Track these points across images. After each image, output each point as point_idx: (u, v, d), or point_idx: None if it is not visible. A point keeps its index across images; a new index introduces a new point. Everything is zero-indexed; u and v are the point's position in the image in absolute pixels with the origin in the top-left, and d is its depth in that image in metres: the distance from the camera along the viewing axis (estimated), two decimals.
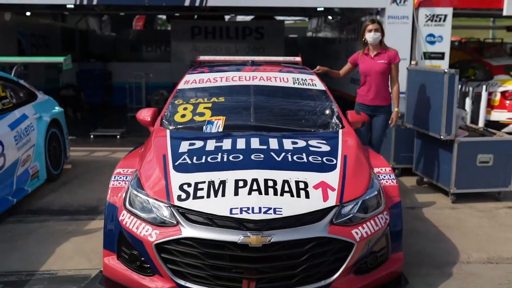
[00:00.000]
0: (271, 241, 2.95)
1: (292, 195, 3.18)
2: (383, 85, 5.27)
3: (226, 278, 3.03)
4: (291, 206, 3.10)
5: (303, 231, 3.04)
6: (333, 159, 3.61)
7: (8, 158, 4.91)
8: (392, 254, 3.48)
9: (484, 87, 7.70)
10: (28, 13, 11.44)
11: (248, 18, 15.96)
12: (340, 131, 4.25)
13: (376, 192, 3.45)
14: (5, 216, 4.81)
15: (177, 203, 3.16)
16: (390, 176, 3.81)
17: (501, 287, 3.61)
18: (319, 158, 3.60)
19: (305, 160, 3.55)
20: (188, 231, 3.04)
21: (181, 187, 3.25)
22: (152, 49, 15.61)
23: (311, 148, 3.75)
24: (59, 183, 6.05)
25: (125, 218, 3.30)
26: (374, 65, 5.23)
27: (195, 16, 14.00)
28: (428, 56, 8.03)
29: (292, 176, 3.33)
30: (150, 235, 3.11)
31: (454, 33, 20.62)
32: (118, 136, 9.06)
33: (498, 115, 8.57)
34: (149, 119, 4.52)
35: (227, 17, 16.11)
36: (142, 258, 3.20)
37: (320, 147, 3.79)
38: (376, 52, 5.26)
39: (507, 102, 8.52)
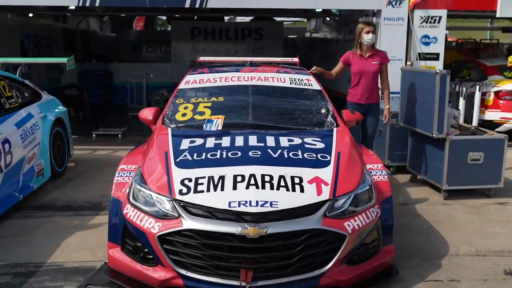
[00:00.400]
0: (268, 232, 3.13)
1: (287, 190, 3.35)
2: (375, 84, 5.51)
3: (225, 268, 3.20)
4: (286, 200, 3.27)
5: (298, 223, 3.21)
6: (327, 155, 3.79)
7: (14, 155, 5.08)
8: (383, 246, 3.66)
9: (477, 87, 7.87)
10: (30, 15, 11.61)
11: (248, 19, 16.12)
12: (335, 129, 4.42)
13: (368, 187, 3.62)
14: (12, 212, 4.98)
15: (178, 197, 3.33)
16: (382, 172, 3.99)
17: (487, 277, 3.78)
18: (314, 155, 3.77)
19: (300, 156, 3.72)
20: (189, 223, 3.21)
21: (182, 182, 3.43)
22: (153, 49, 15.77)
23: (307, 146, 3.92)
24: (63, 180, 6.23)
25: (129, 212, 3.47)
26: (369, 66, 5.43)
27: (195, 17, 14.16)
28: (423, 57, 8.21)
29: (288, 171, 3.50)
30: (153, 227, 3.28)
31: (452, 33, 20.88)
32: (119, 135, 9.22)
33: (492, 115, 8.76)
34: (151, 117, 4.69)
35: (226, 18, 16.27)
36: (146, 250, 3.37)
37: (315, 145, 3.96)
38: (369, 53, 5.46)
39: (501, 102, 8.71)
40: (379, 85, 5.64)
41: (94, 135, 9.19)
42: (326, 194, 3.38)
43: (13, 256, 4.04)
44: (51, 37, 13.02)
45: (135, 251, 3.44)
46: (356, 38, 5.52)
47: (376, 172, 3.97)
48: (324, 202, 3.34)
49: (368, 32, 5.36)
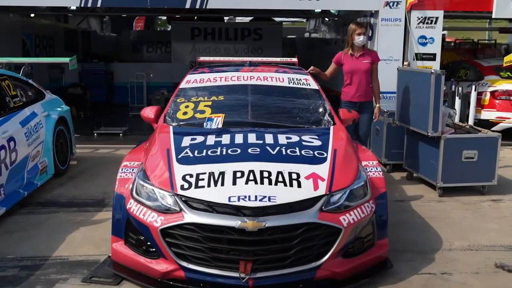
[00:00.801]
0: (266, 226, 3.25)
1: (285, 185, 3.47)
2: (367, 82, 5.66)
3: (225, 260, 3.32)
4: (284, 195, 3.40)
5: (295, 217, 3.34)
6: (324, 152, 3.91)
7: (19, 153, 5.20)
8: (378, 241, 3.78)
9: (473, 87, 8.00)
10: (32, 15, 11.73)
11: (247, 19, 16.24)
12: (332, 127, 4.55)
13: (363, 183, 3.75)
14: (17, 208, 5.10)
15: (180, 192, 3.45)
16: (377, 169, 4.11)
17: (479, 270, 3.91)
18: (311, 152, 3.90)
19: (298, 153, 3.85)
20: (190, 217, 3.34)
21: (183, 178, 3.55)
22: (153, 49, 15.91)
23: (304, 143, 4.04)
24: (66, 177, 6.35)
25: (132, 206, 3.59)
26: (360, 65, 5.58)
27: (195, 18, 14.28)
28: (420, 57, 8.31)
29: (286, 167, 3.62)
30: (156, 221, 3.41)
31: (451, 34, 21.02)
32: (120, 134, 9.33)
33: (488, 114, 8.89)
34: (152, 116, 4.81)
35: (226, 19, 16.39)
36: (148, 243, 3.49)
37: (312, 142, 4.09)
38: (360, 53, 5.62)
39: (497, 101, 8.84)
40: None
41: (95, 134, 9.31)
42: (322, 189, 3.50)
43: (19, 250, 4.16)
44: (53, 37, 13.15)
45: (138, 244, 3.56)
46: (347, 38, 5.67)
47: (371, 169, 4.10)
48: (320, 197, 3.46)
49: (359, 34, 5.51)
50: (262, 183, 3.45)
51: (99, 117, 11.22)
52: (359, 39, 5.52)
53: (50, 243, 4.30)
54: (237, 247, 3.30)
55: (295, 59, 6.34)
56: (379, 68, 5.88)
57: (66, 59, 7.04)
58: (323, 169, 3.69)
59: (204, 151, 3.87)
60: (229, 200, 3.34)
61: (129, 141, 8.26)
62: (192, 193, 3.43)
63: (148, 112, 4.86)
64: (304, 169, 3.64)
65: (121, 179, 3.90)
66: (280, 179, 3.51)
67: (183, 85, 5.17)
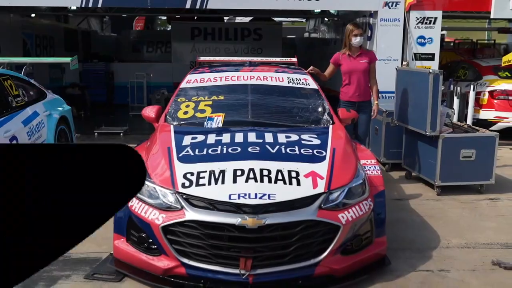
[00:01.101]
0: (266, 223, 3.30)
1: (285, 183, 3.52)
2: (366, 82, 5.73)
3: (225, 257, 3.37)
4: (284, 193, 3.45)
5: (295, 214, 3.39)
6: (323, 151, 3.96)
7: None
8: (376, 238, 3.83)
9: (472, 86, 8.06)
10: (33, 15, 11.79)
11: (247, 19, 16.28)
12: (331, 126, 4.60)
13: (361, 181, 3.80)
14: None
15: (181, 190, 3.50)
16: (375, 167, 4.17)
17: (476, 267, 3.96)
18: (310, 150, 3.95)
19: (297, 152, 3.90)
20: (191, 214, 3.38)
21: (184, 176, 3.60)
22: (153, 49, 15.94)
23: (303, 142, 4.10)
24: None
25: (134, 204, 3.63)
26: (357, 65, 5.65)
27: (195, 18, 14.33)
28: (418, 57, 8.37)
29: (285, 166, 3.67)
30: (157, 218, 3.45)
31: (451, 34, 21.06)
32: (121, 134, 9.38)
33: (486, 114, 8.94)
34: (153, 115, 4.85)
35: (226, 19, 16.43)
36: (150, 240, 3.54)
37: (311, 141, 4.14)
38: (358, 53, 5.69)
39: (495, 101, 8.90)
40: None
41: (96, 134, 9.36)
42: (321, 187, 3.55)
43: None
44: (53, 37, 13.20)
45: (140, 241, 3.61)
46: (345, 39, 5.73)
47: (370, 167, 4.15)
48: (319, 194, 3.51)
49: (356, 35, 5.58)
50: (262, 181, 3.50)
51: (100, 116, 11.25)
52: (355, 40, 5.58)
53: None
54: (238, 244, 3.34)
55: (294, 59, 6.38)
56: (378, 68, 5.95)
57: (67, 59, 7.09)
58: (322, 168, 3.73)
59: (205, 149, 3.92)
60: (230, 198, 3.38)
61: (130, 140, 8.31)
62: (193, 191, 3.48)
63: (149, 111, 4.91)
64: (303, 168, 3.69)
65: None
66: (280, 177, 3.56)
67: (183, 84, 5.22)
